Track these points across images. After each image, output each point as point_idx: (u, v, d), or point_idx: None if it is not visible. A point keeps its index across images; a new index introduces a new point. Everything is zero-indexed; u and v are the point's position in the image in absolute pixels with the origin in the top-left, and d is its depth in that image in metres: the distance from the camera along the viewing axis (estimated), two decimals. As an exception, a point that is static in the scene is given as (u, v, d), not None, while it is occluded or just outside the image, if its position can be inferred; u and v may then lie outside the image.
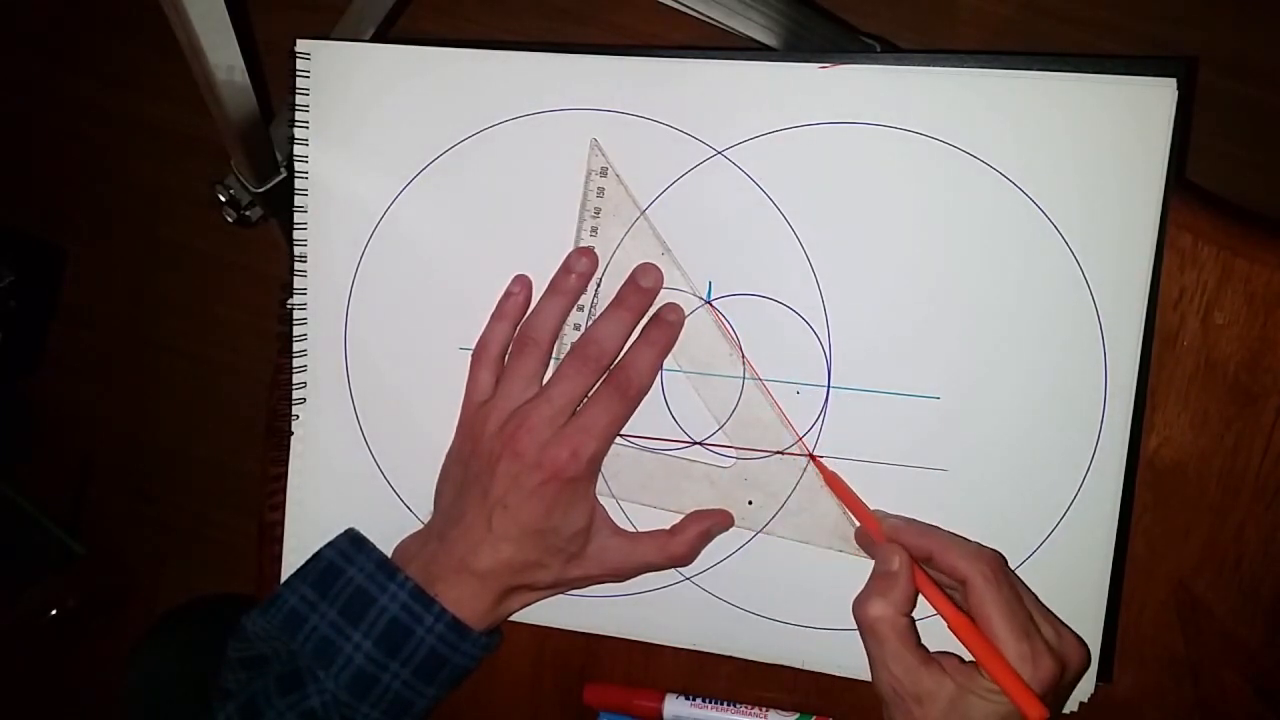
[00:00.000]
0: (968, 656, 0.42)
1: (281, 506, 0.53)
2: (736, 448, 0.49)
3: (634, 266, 0.48)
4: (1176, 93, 0.44)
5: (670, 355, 0.48)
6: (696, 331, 0.48)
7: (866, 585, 0.44)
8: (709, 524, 0.48)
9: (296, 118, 0.50)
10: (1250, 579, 0.47)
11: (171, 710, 0.68)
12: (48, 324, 1.30)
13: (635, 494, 0.49)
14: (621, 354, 0.47)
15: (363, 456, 0.51)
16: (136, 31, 1.21)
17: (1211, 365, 0.46)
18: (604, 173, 0.48)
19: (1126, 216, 0.45)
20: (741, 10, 0.68)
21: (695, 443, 0.49)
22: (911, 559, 0.43)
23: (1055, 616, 0.43)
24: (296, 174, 0.51)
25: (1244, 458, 0.46)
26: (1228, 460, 0.47)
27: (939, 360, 0.47)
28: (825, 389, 0.47)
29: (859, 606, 0.43)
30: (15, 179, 1.29)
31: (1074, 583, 0.46)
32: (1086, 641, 0.43)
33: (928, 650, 0.42)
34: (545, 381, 0.47)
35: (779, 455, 0.48)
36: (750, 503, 0.48)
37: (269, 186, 0.81)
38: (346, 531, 0.48)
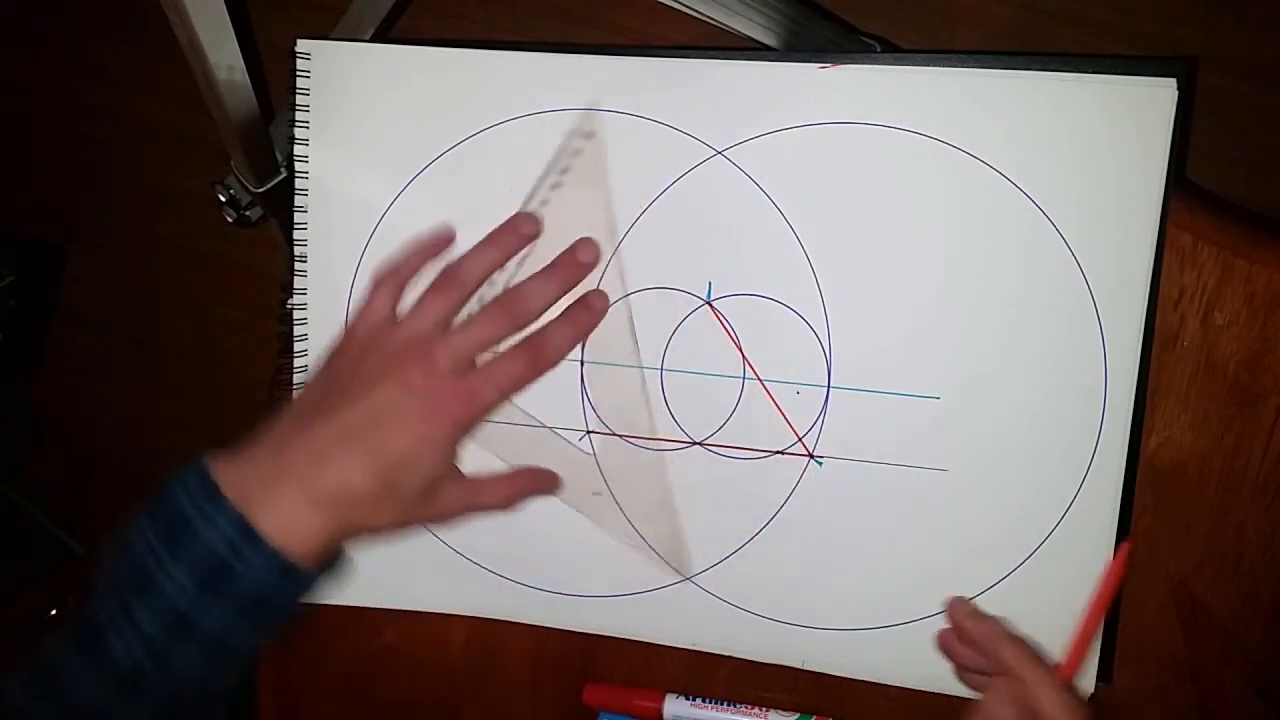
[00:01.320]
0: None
1: (281, 506, 0.52)
2: (737, 447, 0.48)
3: (576, 238, 0.48)
4: (1176, 93, 0.44)
5: (670, 355, 0.48)
6: (697, 331, 0.48)
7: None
8: (543, 482, 0.49)
9: (296, 118, 0.50)
10: (1250, 579, 0.47)
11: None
12: (48, 324, 1.30)
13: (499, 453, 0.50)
14: (540, 322, 0.47)
15: (363, 456, 0.51)
16: (137, 32, 1.21)
17: (1211, 365, 0.46)
18: (589, 136, 0.48)
19: (1126, 216, 0.45)
20: (741, 10, 0.68)
21: (695, 443, 0.49)
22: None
23: None
24: (296, 174, 0.51)
25: (1244, 458, 0.46)
26: (1228, 460, 0.47)
27: (939, 360, 0.47)
28: (825, 389, 0.47)
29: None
30: (15, 179, 1.29)
31: (1074, 583, 0.46)
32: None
33: None
34: (456, 322, 0.46)
35: (779, 455, 0.48)
36: (596, 494, 0.49)
37: (269, 186, 0.81)
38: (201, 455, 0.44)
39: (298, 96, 0.50)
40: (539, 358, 0.46)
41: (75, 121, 1.26)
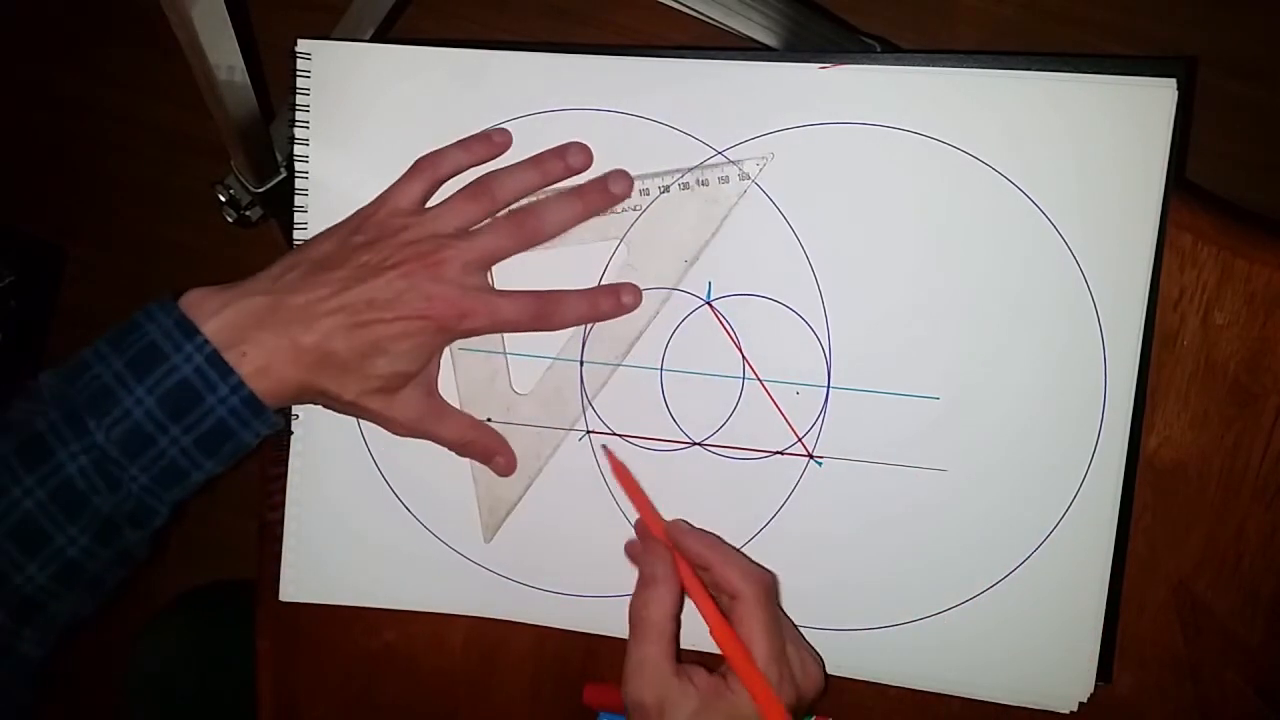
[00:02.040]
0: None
1: (281, 506, 0.53)
2: (736, 448, 0.49)
3: (666, 236, 0.48)
4: (1176, 93, 0.44)
5: (669, 355, 0.48)
6: (696, 331, 0.48)
7: (638, 583, 0.45)
8: (496, 450, 0.49)
9: (296, 118, 0.50)
10: (1250, 579, 0.47)
11: (172, 704, 0.68)
12: (48, 324, 1.30)
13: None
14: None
15: (361, 456, 0.51)
16: (137, 32, 1.21)
17: (1211, 365, 0.46)
18: (745, 178, 0.47)
19: (1126, 216, 0.45)
20: (741, 10, 0.68)
21: (695, 443, 0.49)
22: (684, 563, 0.44)
23: (805, 644, 0.45)
24: (296, 174, 0.51)
25: (1244, 458, 0.46)
26: (1228, 460, 0.47)
27: (938, 360, 0.47)
28: (825, 389, 0.47)
29: (632, 603, 0.44)
30: (15, 179, 1.29)
31: (1074, 583, 0.46)
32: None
33: (680, 663, 0.43)
34: (474, 228, 0.46)
35: (779, 455, 0.48)
36: (489, 420, 0.50)
37: (269, 186, 0.81)
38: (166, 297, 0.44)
39: (298, 96, 0.50)
40: (542, 315, 0.47)
41: (75, 121, 1.26)
